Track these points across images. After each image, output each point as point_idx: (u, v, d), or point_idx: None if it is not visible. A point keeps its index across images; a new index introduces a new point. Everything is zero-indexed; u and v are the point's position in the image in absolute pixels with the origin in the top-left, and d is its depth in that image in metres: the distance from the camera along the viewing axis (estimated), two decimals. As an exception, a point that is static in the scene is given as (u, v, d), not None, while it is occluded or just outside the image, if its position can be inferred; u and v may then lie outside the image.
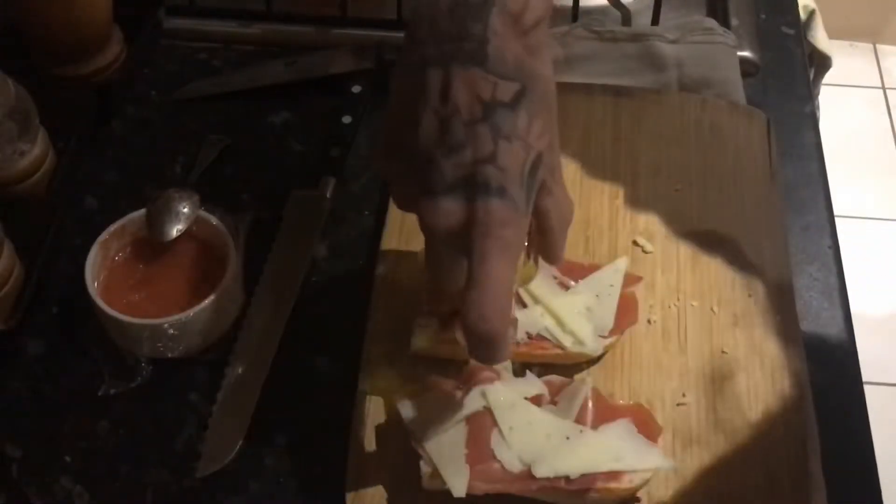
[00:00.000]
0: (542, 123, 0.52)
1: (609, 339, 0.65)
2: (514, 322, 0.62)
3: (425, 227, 0.51)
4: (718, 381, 0.65)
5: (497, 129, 0.50)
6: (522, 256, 0.59)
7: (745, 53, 0.87)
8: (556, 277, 0.67)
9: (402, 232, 0.72)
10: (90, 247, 0.67)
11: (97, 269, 0.68)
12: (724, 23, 0.88)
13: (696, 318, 0.68)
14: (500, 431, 0.59)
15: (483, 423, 0.59)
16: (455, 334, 0.64)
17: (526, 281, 0.63)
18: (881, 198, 2.12)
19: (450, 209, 0.50)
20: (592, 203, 0.74)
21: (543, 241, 0.57)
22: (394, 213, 0.73)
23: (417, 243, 0.70)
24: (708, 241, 0.72)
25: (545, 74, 0.53)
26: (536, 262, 0.60)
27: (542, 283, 0.66)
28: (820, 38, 1.11)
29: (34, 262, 0.70)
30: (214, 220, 0.70)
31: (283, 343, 0.69)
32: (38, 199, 0.74)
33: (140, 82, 0.86)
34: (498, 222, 0.49)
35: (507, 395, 0.60)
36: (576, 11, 0.89)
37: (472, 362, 0.62)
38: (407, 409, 0.60)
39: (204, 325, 0.67)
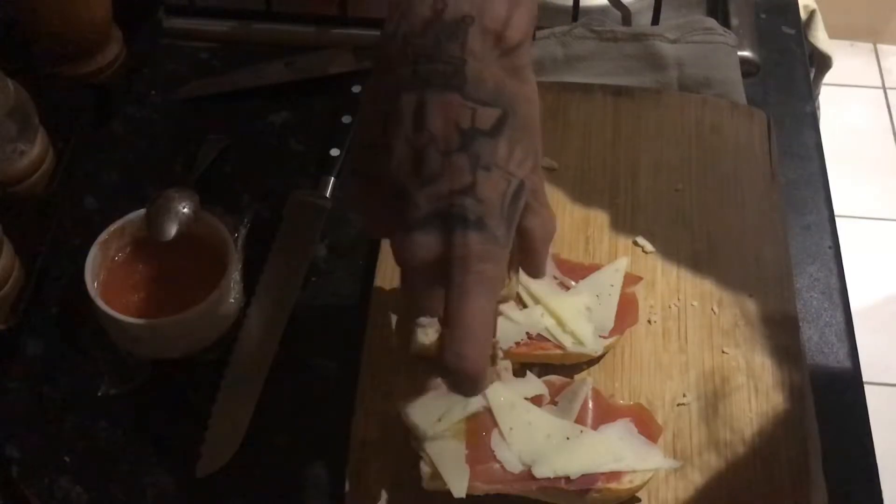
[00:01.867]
0: (523, 150, 0.49)
1: (609, 339, 0.65)
2: (496, 346, 0.60)
3: (399, 261, 0.49)
4: (719, 381, 0.65)
5: (476, 158, 0.47)
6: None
7: (746, 53, 0.87)
8: (556, 277, 0.67)
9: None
10: (90, 247, 0.67)
11: (97, 269, 0.67)
12: (725, 22, 0.88)
13: (697, 318, 0.68)
14: (500, 431, 0.59)
15: (483, 423, 0.59)
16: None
17: (505, 300, 0.60)
18: (881, 198, 2.12)
19: (425, 243, 0.47)
20: (592, 203, 0.74)
21: (526, 259, 0.54)
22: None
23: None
24: (708, 240, 0.72)
25: (527, 96, 0.50)
26: (517, 281, 0.58)
27: (542, 283, 0.66)
28: (820, 37, 1.11)
29: (34, 262, 0.70)
30: (214, 220, 0.70)
31: (283, 343, 0.69)
32: (37, 199, 0.74)
33: (140, 82, 0.86)
34: (477, 256, 0.47)
35: (507, 395, 0.60)
36: (576, 11, 0.89)
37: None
38: (407, 409, 0.60)
39: (204, 325, 0.67)
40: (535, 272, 0.55)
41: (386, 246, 0.71)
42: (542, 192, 0.52)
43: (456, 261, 0.47)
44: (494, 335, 0.56)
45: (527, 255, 0.53)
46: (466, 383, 0.49)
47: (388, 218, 0.49)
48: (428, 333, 0.65)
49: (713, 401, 0.64)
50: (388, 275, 0.70)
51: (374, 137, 0.50)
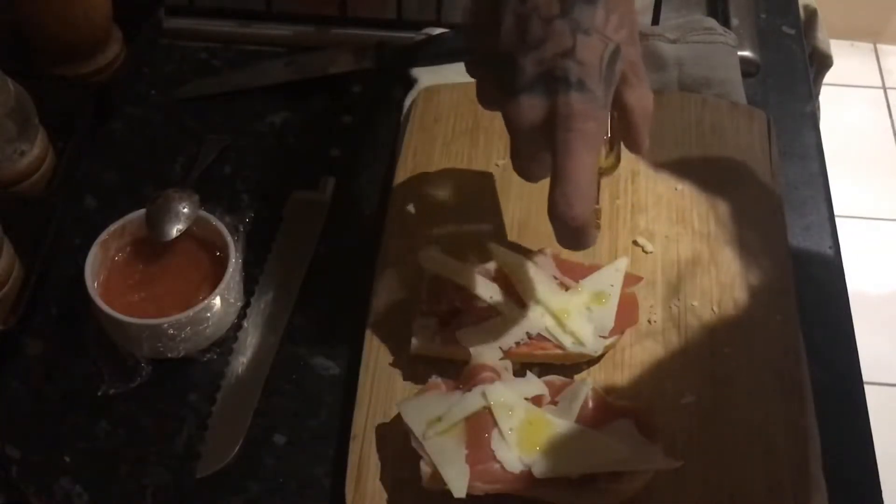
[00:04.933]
0: (619, 16, 0.53)
1: (609, 339, 0.65)
2: (598, 212, 0.64)
3: (509, 126, 0.54)
4: (719, 381, 0.65)
5: (575, 23, 0.52)
6: (605, 147, 0.61)
7: (746, 53, 0.87)
8: (556, 277, 0.67)
9: (403, 231, 0.72)
10: (90, 247, 0.67)
11: (97, 269, 0.68)
12: (725, 22, 0.88)
13: (697, 318, 0.68)
14: (500, 431, 0.59)
15: (483, 423, 0.59)
16: (455, 334, 0.64)
17: (609, 171, 0.64)
18: (881, 198, 2.12)
19: (532, 105, 0.52)
20: (592, 203, 0.74)
21: (627, 134, 0.58)
22: (394, 212, 0.73)
23: (419, 240, 0.70)
24: (708, 240, 0.72)
25: None
26: (619, 154, 0.62)
27: (542, 283, 0.66)
28: (820, 37, 1.11)
29: (34, 262, 0.70)
30: (214, 220, 0.70)
31: (284, 343, 0.69)
32: (37, 199, 0.74)
33: (140, 82, 0.86)
34: (579, 115, 0.51)
35: (507, 395, 0.60)
36: (576, 11, 0.89)
37: (472, 362, 0.63)
38: (407, 409, 0.60)
39: (204, 325, 0.67)
40: (636, 147, 0.59)
41: (387, 245, 0.71)
42: (639, 65, 0.57)
43: (560, 120, 0.51)
44: (597, 198, 0.60)
45: (627, 129, 0.58)
46: (575, 234, 0.53)
47: (497, 87, 0.54)
48: (427, 333, 0.65)
49: (713, 400, 0.64)
50: (387, 275, 0.70)
51: (483, 15, 0.55)
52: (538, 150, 0.54)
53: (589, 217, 0.53)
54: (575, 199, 0.52)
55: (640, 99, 0.57)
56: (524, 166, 0.56)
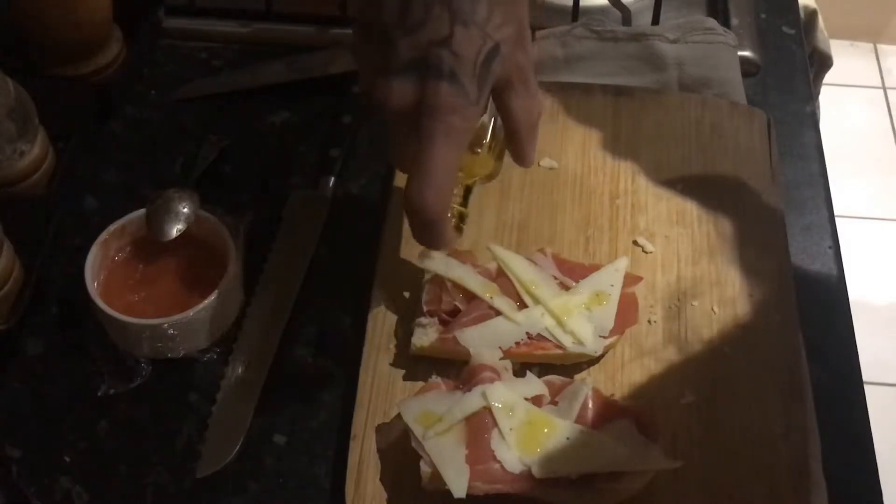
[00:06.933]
0: (503, 14, 0.52)
1: (609, 339, 0.65)
2: (464, 217, 0.62)
3: (379, 106, 0.52)
4: (719, 381, 0.65)
5: (455, 13, 0.50)
6: (485, 147, 0.59)
7: (746, 53, 0.87)
8: (556, 277, 0.67)
9: (403, 231, 0.72)
10: (90, 247, 0.67)
11: (97, 269, 0.68)
12: (725, 22, 0.88)
13: (697, 318, 0.68)
14: (500, 431, 0.59)
15: (483, 423, 0.59)
16: (455, 334, 0.64)
17: (488, 178, 0.63)
18: (881, 198, 2.12)
19: (402, 90, 0.51)
20: (592, 203, 0.74)
21: (510, 143, 0.57)
22: (394, 212, 0.73)
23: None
24: (708, 240, 0.72)
25: None
26: (501, 158, 0.60)
27: (542, 283, 0.66)
28: (820, 37, 1.11)
29: (34, 262, 0.70)
30: (214, 220, 0.70)
31: (283, 343, 0.69)
32: (37, 199, 0.74)
33: (140, 82, 0.86)
34: (445, 107, 0.50)
35: (507, 395, 0.60)
36: (576, 11, 0.89)
37: (472, 362, 0.63)
38: (407, 409, 0.60)
39: (204, 325, 0.67)
40: (520, 158, 0.58)
41: (386, 247, 0.71)
42: (528, 72, 0.55)
43: (426, 109, 0.50)
44: (464, 202, 0.60)
45: (510, 137, 0.56)
46: (425, 228, 0.52)
47: (374, 66, 0.52)
48: (428, 333, 0.65)
49: (713, 400, 0.64)
50: (387, 275, 0.70)
51: None
52: (407, 136, 0.52)
53: (442, 213, 0.51)
54: (427, 191, 0.50)
55: (525, 108, 0.55)
56: (393, 152, 0.55)
